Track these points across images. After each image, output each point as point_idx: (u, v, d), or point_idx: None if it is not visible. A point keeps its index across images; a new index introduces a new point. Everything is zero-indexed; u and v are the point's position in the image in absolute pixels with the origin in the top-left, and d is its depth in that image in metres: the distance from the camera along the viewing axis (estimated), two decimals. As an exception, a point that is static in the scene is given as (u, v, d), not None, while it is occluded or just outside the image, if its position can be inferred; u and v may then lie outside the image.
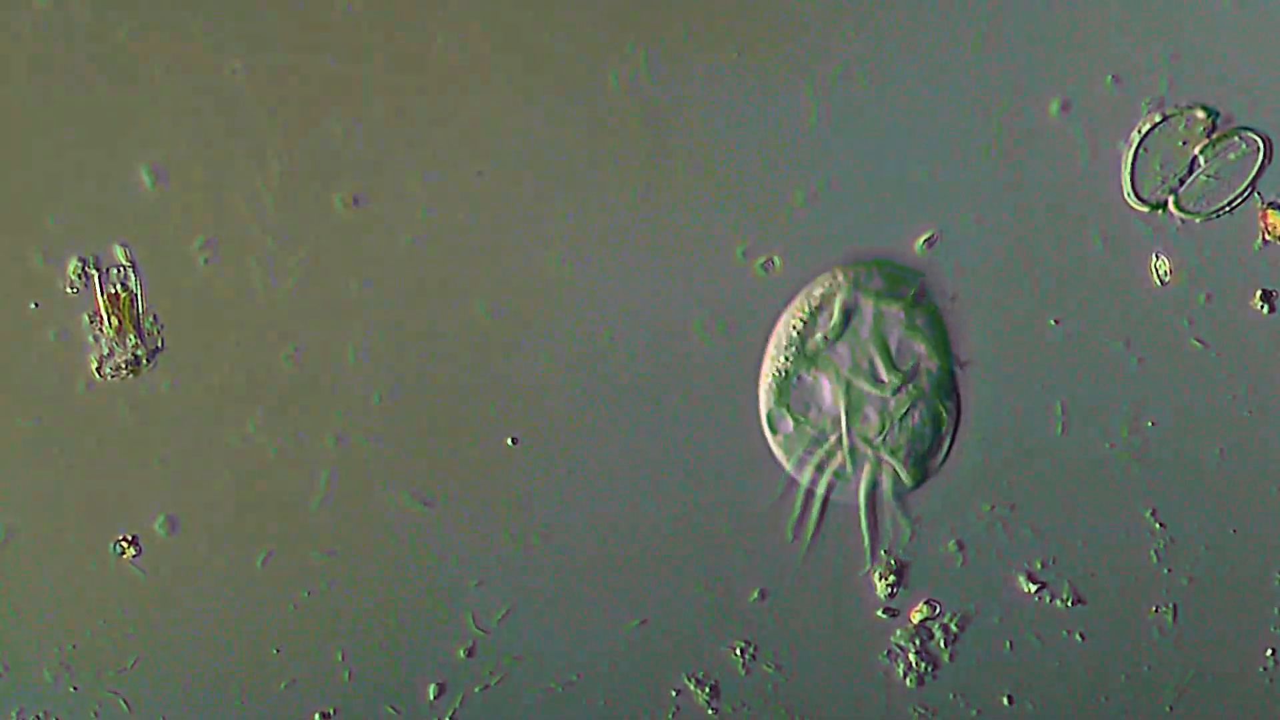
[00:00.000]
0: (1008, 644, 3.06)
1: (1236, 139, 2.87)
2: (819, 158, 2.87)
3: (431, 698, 3.06)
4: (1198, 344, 2.92)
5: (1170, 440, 2.98)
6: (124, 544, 2.98)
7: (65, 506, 2.98)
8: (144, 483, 2.97)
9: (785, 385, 2.93)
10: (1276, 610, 3.05)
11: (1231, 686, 3.08)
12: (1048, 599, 3.03)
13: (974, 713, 3.10)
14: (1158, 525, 3.00)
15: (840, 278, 2.90)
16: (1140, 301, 2.92)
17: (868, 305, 2.92)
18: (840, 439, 2.95)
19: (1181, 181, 2.89)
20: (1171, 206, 2.90)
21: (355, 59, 2.82)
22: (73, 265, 2.86)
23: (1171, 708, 3.09)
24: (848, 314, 2.92)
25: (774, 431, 2.95)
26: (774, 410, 2.94)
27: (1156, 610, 3.03)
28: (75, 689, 3.05)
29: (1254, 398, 2.95)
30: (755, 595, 3.02)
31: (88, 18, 2.79)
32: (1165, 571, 3.03)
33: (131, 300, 2.87)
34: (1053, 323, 2.91)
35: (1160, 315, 2.93)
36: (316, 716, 3.08)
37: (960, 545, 3.01)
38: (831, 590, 3.03)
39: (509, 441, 2.95)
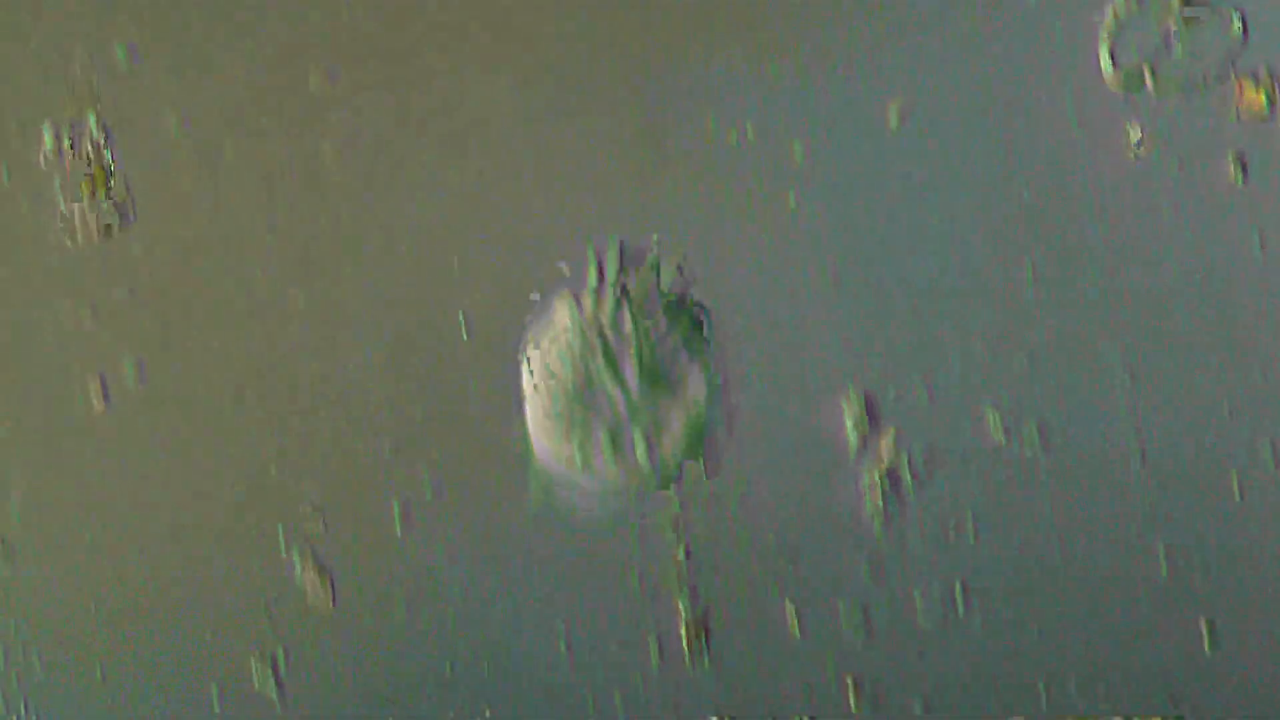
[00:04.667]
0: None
1: (1212, 13, 2.87)
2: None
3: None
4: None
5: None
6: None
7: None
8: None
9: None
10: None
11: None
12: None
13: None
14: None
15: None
16: (1113, 174, 2.91)
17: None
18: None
19: (1158, 56, 2.89)
20: (1148, 81, 2.90)
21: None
22: (47, 133, 2.88)
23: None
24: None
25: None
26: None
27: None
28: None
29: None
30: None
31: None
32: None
33: (104, 170, 2.89)
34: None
35: (1134, 189, 2.92)
36: None
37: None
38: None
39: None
